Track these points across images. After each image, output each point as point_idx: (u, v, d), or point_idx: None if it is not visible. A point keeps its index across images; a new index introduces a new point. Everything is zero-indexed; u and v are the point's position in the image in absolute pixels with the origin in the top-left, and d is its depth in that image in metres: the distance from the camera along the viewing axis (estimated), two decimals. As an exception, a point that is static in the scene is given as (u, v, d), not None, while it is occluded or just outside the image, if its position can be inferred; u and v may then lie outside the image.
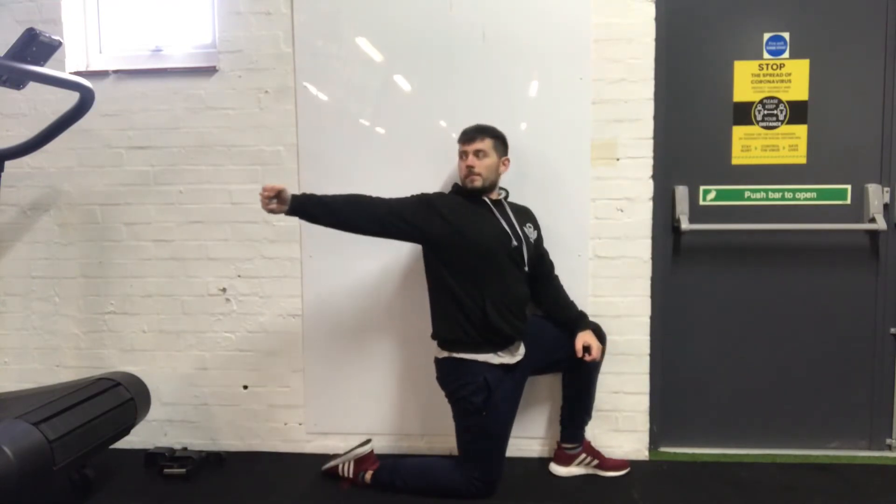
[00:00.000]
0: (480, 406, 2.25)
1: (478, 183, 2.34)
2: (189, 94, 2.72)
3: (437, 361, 2.38)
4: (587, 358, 2.34)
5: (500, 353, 2.30)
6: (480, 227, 2.30)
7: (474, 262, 2.27)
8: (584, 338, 2.36)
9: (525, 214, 2.47)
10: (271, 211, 2.19)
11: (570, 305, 2.48)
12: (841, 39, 2.63)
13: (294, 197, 2.20)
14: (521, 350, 2.35)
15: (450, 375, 2.33)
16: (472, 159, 2.34)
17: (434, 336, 2.38)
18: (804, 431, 2.73)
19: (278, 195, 2.17)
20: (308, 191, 2.65)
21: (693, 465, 2.61)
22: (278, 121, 2.69)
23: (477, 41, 2.60)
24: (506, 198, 2.47)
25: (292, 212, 2.21)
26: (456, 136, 2.44)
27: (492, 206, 2.36)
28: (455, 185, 2.44)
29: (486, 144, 2.35)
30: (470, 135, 2.37)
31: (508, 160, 2.43)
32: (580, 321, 2.43)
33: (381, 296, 2.69)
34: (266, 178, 2.70)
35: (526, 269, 2.36)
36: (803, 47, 2.64)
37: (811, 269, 2.69)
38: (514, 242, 2.32)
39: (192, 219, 2.76)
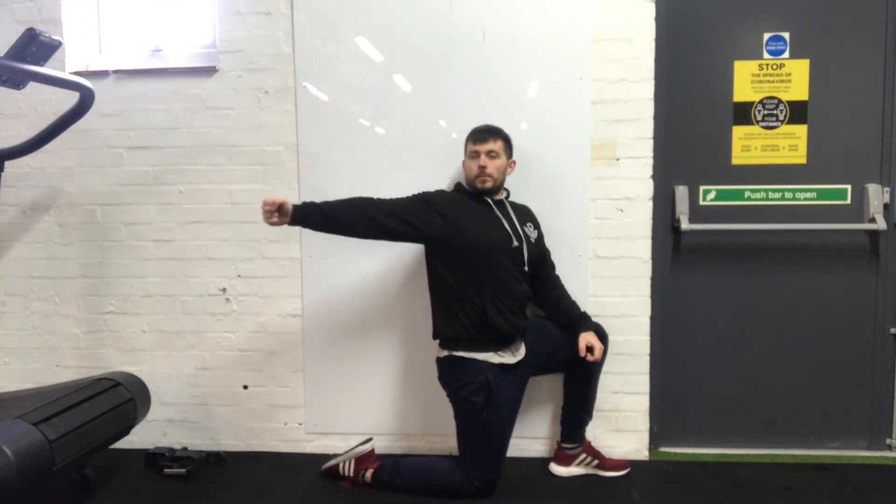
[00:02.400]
0: (481, 405, 2.25)
1: (489, 184, 2.34)
2: (189, 94, 2.72)
3: (439, 361, 2.38)
4: (589, 358, 2.34)
5: (500, 353, 2.30)
6: (480, 227, 2.30)
7: (474, 261, 2.27)
8: (587, 338, 2.36)
9: (525, 214, 2.47)
10: (273, 224, 2.18)
11: (572, 306, 2.48)
12: (841, 39, 2.63)
13: (294, 208, 2.19)
14: (522, 350, 2.35)
15: (451, 375, 2.33)
16: (484, 160, 2.33)
17: (435, 335, 2.38)
18: (804, 431, 2.73)
19: (280, 208, 2.16)
20: (308, 191, 2.68)
21: (693, 465, 2.61)
22: (278, 121, 2.69)
23: (477, 41, 2.60)
24: (507, 197, 2.47)
25: (294, 222, 2.20)
26: (456, 136, 2.44)
27: (493, 206, 2.36)
28: (458, 184, 2.43)
29: (497, 146, 2.35)
30: (483, 135, 2.36)
31: (514, 162, 2.44)
32: (582, 321, 2.43)
33: (381, 295, 2.69)
34: (266, 178, 2.70)
35: (526, 268, 2.36)
36: (803, 47, 2.64)
37: (811, 269, 2.69)
38: (515, 242, 2.32)
39: (192, 219, 2.76)
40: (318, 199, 2.69)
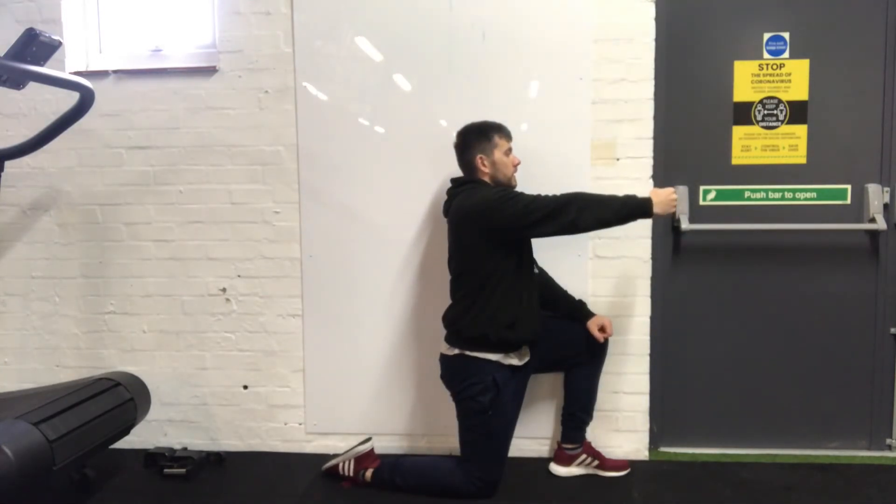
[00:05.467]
0: (487, 406, 2.25)
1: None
2: (189, 94, 2.72)
3: (446, 359, 2.35)
4: (606, 335, 2.39)
5: (510, 354, 2.29)
6: None
7: (521, 266, 2.27)
8: (597, 320, 2.40)
9: None
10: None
11: (566, 292, 2.50)
12: (841, 39, 2.62)
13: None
14: (528, 352, 2.35)
15: (458, 373, 2.31)
16: (517, 157, 2.36)
17: (453, 326, 2.32)
18: (804, 431, 2.73)
19: None
20: (308, 191, 2.68)
21: (693, 465, 2.60)
22: (278, 121, 2.68)
23: (477, 41, 2.60)
24: None
25: None
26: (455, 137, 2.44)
27: None
28: (484, 182, 2.33)
29: None
30: (510, 133, 2.37)
31: None
32: (584, 310, 2.45)
33: (381, 295, 2.69)
34: (266, 178, 2.70)
35: (536, 270, 2.38)
36: (803, 47, 2.64)
37: (811, 269, 2.69)
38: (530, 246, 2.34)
39: (192, 219, 2.76)
40: (318, 199, 2.71)
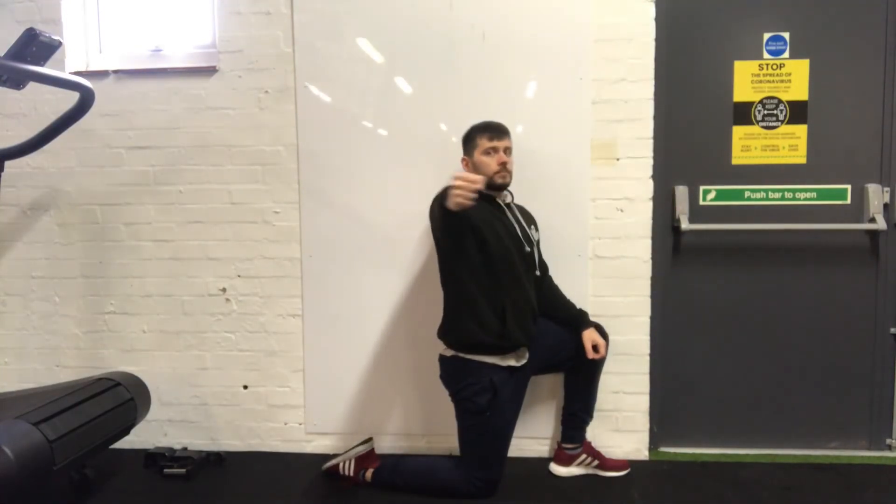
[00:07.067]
0: (484, 406, 2.25)
1: (508, 180, 2.33)
2: (189, 94, 2.72)
3: (443, 359, 2.36)
4: (595, 356, 2.35)
5: (507, 356, 2.29)
6: (501, 231, 2.27)
7: (497, 268, 2.24)
8: (591, 336, 2.37)
9: (529, 216, 2.47)
10: (465, 205, 1.88)
11: (569, 303, 2.49)
12: (841, 39, 2.63)
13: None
14: (527, 354, 2.35)
15: (456, 374, 2.31)
16: (503, 156, 2.31)
17: (444, 336, 2.34)
18: (804, 431, 2.73)
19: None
20: (308, 191, 2.68)
21: (693, 465, 2.60)
22: (278, 121, 2.68)
23: (477, 41, 2.60)
24: (512, 200, 2.45)
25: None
26: (456, 137, 2.44)
27: (506, 210, 2.35)
28: None
29: (510, 143, 2.36)
30: (499, 132, 2.34)
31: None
32: (583, 319, 2.43)
33: (380, 295, 2.69)
34: (266, 178, 2.70)
35: (537, 272, 2.37)
36: (803, 47, 2.64)
37: (811, 269, 2.69)
38: (528, 248, 2.33)
39: (192, 219, 2.76)
40: (318, 199, 2.71)
